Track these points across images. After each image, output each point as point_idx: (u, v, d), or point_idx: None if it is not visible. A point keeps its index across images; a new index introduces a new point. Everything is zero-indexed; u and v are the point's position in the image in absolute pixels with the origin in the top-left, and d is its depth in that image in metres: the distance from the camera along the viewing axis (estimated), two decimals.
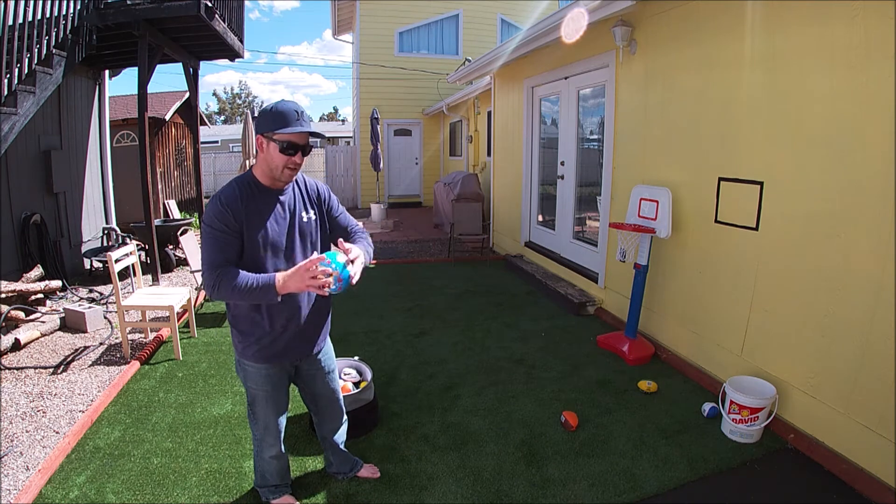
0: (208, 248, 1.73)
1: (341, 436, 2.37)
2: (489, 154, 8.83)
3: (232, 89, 47.22)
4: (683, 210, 3.60)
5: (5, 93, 3.97)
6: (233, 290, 1.69)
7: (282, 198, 1.85)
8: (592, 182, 5.22)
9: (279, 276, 1.70)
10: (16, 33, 4.06)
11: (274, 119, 1.71)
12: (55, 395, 3.25)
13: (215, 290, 1.71)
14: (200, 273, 1.78)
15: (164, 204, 10.06)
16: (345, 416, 2.36)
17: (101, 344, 4.08)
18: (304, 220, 1.91)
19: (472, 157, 10.83)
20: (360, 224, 2.13)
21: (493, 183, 7.89)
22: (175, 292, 4.10)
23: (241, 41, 7.02)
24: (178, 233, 6.43)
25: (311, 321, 2.00)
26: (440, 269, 6.62)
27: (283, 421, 2.13)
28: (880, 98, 2.29)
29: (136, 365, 3.66)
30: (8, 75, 4.02)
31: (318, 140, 25.62)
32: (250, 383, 2.02)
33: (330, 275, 1.67)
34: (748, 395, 2.74)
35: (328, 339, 2.18)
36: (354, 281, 1.75)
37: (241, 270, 1.72)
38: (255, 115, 1.68)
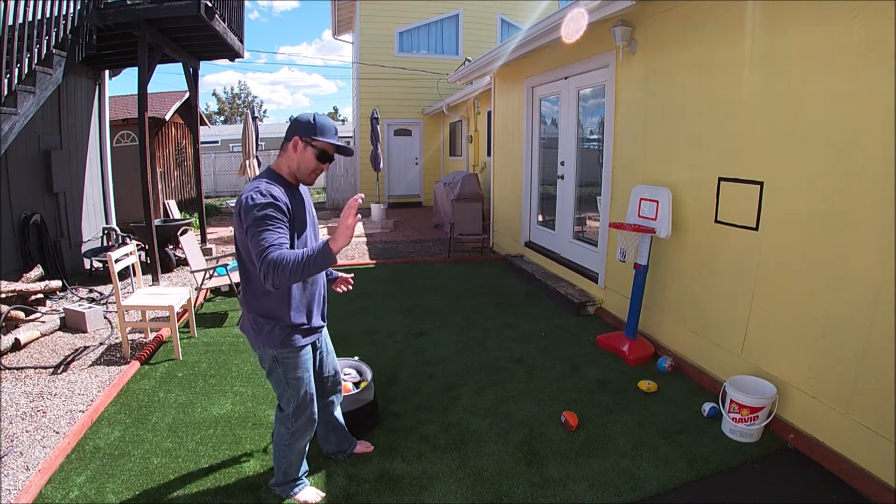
0: (265, 235, 1.75)
1: (340, 412, 2.54)
2: (489, 154, 8.84)
3: (232, 89, 47.21)
4: (683, 210, 3.60)
5: (5, 93, 3.97)
6: (294, 267, 1.70)
7: (301, 191, 2.07)
8: (592, 182, 5.22)
9: (328, 240, 1.73)
10: (16, 33, 4.06)
11: (316, 127, 1.93)
12: (55, 395, 3.25)
13: (277, 273, 1.70)
14: (258, 260, 1.75)
15: (164, 204, 10.06)
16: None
17: (101, 344, 4.08)
18: (312, 211, 2.13)
19: (472, 157, 10.83)
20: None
21: (493, 183, 7.89)
22: (175, 292, 4.10)
23: (241, 41, 7.02)
24: (178, 233, 6.43)
25: (322, 295, 2.22)
26: (440, 269, 6.62)
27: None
28: (880, 98, 2.29)
29: (136, 365, 3.66)
30: (8, 75, 4.02)
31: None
32: (292, 374, 2.08)
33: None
34: (748, 394, 2.74)
35: None
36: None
37: (291, 250, 1.79)
38: (292, 121, 1.89)
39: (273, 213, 1.80)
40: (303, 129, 1.93)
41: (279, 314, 2.01)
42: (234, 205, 10.38)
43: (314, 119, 1.94)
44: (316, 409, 2.22)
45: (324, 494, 2.34)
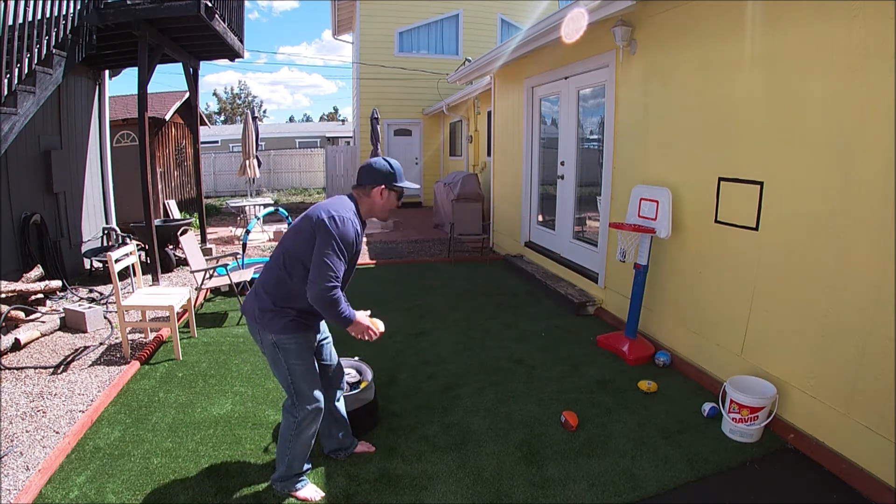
0: (333, 264, 2.02)
1: (343, 404, 2.57)
2: (489, 154, 8.84)
3: (232, 89, 47.23)
4: (683, 210, 3.60)
5: (5, 93, 3.97)
6: (334, 311, 2.06)
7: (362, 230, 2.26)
8: (592, 182, 5.22)
9: (356, 317, 2.14)
10: (16, 33, 4.06)
11: (396, 175, 2.21)
12: (55, 395, 3.25)
13: (323, 304, 2.02)
14: (316, 277, 2.03)
15: (164, 204, 10.06)
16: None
17: (101, 344, 4.08)
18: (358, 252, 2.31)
19: (472, 157, 10.83)
20: None
21: (493, 183, 7.89)
22: (175, 292, 4.10)
23: (241, 41, 7.02)
24: (178, 233, 6.43)
25: None
26: (440, 269, 6.62)
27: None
28: (880, 98, 2.29)
29: (136, 365, 3.66)
30: (8, 75, 4.02)
31: (319, 140, 25.72)
32: (294, 360, 2.18)
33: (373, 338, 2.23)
34: (748, 395, 2.74)
35: None
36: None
37: (342, 299, 2.08)
38: (372, 168, 2.16)
39: (349, 247, 2.07)
40: (386, 177, 2.19)
41: (293, 305, 2.14)
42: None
43: (392, 167, 2.20)
44: (321, 397, 2.26)
45: (324, 494, 2.34)
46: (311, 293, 2.01)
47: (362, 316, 2.20)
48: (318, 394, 2.24)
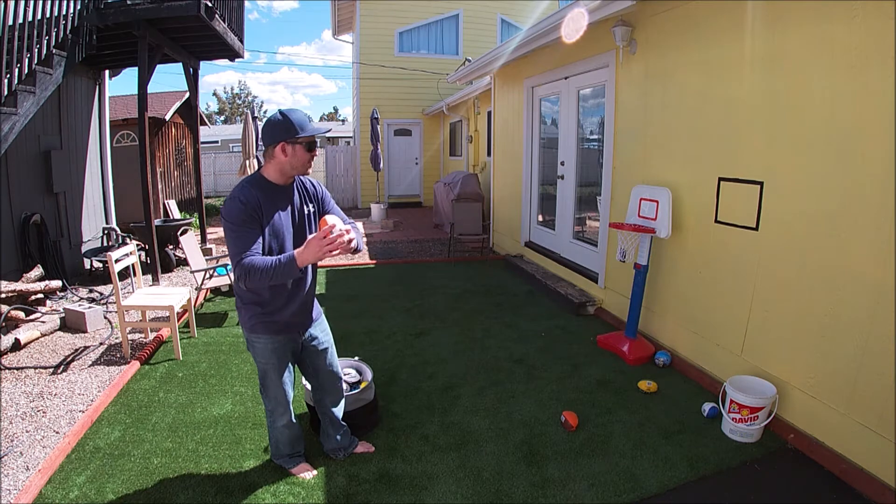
0: (234, 244, 1.95)
1: (340, 410, 2.57)
2: (489, 154, 8.83)
3: (232, 89, 47.15)
4: (683, 210, 3.60)
5: (5, 93, 3.97)
6: (262, 275, 1.91)
7: (289, 193, 2.14)
8: (592, 182, 5.22)
9: (296, 252, 1.91)
10: (16, 33, 4.06)
11: (295, 126, 2.00)
12: (55, 395, 3.25)
13: (247, 278, 1.92)
14: (232, 264, 1.99)
15: (164, 204, 10.06)
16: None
17: (101, 344, 4.08)
18: (306, 212, 2.19)
19: (472, 157, 10.83)
20: (350, 219, 2.34)
21: (493, 183, 7.89)
22: (175, 292, 4.10)
23: (241, 41, 7.02)
24: (178, 233, 6.43)
25: (308, 295, 2.28)
26: (440, 269, 6.62)
27: (290, 392, 2.37)
28: (880, 98, 2.29)
29: (136, 365, 3.66)
30: (8, 75, 4.02)
31: (319, 140, 25.70)
32: (259, 358, 2.26)
33: (340, 238, 1.85)
34: (748, 395, 2.74)
35: (322, 315, 2.48)
36: (354, 245, 1.95)
37: (262, 256, 1.97)
38: (267, 126, 1.95)
39: (244, 219, 1.95)
40: (284, 132, 2.00)
41: (252, 302, 2.17)
42: None
43: (289, 119, 2.01)
44: (284, 397, 2.32)
45: (315, 472, 2.48)
46: (236, 279, 1.98)
47: (308, 243, 1.89)
48: (282, 393, 2.31)
